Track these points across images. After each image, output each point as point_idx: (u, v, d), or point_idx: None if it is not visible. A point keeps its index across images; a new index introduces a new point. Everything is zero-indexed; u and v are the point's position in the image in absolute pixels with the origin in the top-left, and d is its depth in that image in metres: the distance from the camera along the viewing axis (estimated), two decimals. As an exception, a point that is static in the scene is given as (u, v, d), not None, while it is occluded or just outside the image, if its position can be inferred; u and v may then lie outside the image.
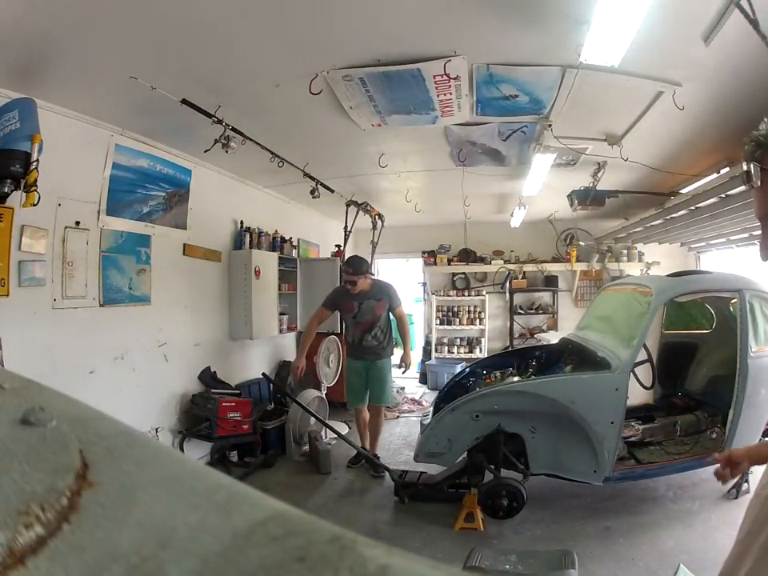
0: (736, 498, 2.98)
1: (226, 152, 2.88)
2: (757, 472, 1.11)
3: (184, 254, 3.72)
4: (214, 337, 4.08)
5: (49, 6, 1.78)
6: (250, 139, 3.07)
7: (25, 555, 0.13)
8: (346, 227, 5.11)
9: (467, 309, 7.09)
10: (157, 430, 3.34)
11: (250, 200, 4.61)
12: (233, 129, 2.89)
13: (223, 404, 3.51)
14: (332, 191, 4.51)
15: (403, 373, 3.89)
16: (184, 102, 2.56)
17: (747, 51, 2.01)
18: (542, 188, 4.29)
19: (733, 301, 3.33)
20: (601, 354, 2.96)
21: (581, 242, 6.63)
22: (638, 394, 3.16)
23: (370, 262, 5.88)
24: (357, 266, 3.63)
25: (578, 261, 6.72)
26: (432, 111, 2.87)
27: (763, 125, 0.75)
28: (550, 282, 6.93)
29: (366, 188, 4.82)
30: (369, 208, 5.15)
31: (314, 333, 3.76)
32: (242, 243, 4.38)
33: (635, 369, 2.80)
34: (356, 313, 3.67)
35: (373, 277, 4.10)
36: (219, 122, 2.77)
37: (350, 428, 4.46)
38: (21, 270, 2.47)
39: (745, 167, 0.74)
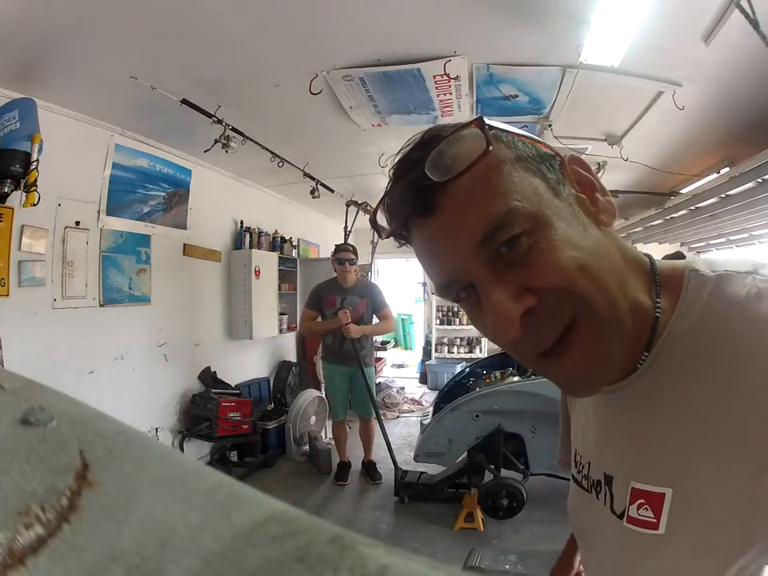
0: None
1: (226, 152, 2.88)
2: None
3: (184, 254, 3.72)
4: (214, 337, 4.08)
5: (49, 5, 1.78)
6: (250, 139, 3.07)
7: (25, 555, 0.13)
8: (345, 227, 5.10)
9: (467, 309, 7.08)
10: (157, 430, 3.34)
11: (250, 200, 4.61)
12: (233, 129, 2.89)
13: (223, 404, 3.51)
14: (332, 191, 4.51)
15: (341, 329, 3.32)
16: (184, 102, 2.56)
17: (747, 51, 2.01)
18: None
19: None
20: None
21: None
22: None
23: (370, 262, 5.91)
24: (355, 250, 3.57)
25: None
26: (432, 111, 2.87)
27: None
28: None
29: (366, 188, 4.82)
30: (369, 208, 5.15)
31: (312, 322, 3.57)
32: (241, 243, 4.38)
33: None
34: (338, 309, 3.44)
35: (360, 274, 3.95)
36: (219, 121, 2.77)
37: (349, 428, 4.45)
38: (21, 269, 2.47)
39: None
